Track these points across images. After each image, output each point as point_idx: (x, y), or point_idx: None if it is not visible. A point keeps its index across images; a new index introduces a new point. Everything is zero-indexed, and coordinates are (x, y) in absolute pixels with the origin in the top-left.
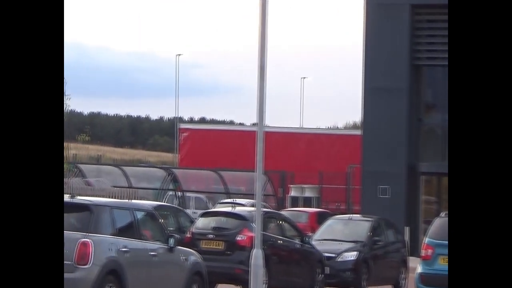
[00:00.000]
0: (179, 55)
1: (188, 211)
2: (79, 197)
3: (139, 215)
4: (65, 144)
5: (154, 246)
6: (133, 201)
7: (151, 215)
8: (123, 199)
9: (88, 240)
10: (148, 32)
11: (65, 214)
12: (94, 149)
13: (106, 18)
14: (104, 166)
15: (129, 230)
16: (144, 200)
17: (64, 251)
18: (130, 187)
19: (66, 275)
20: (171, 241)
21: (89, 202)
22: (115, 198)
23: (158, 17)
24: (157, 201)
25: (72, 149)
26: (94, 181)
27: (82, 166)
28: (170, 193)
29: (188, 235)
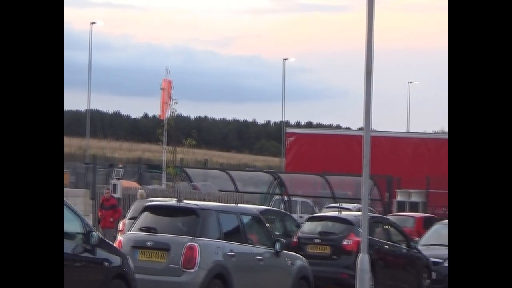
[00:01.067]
0: (286, 59)
1: (295, 216)
2: (185, 201)
3: (246, 219)
4: (172, 148)
5: (260, 250)
6: (240, 205)
7: (257, 219)
8: (230, 203)
9: (194, 244)
10: (254, 36)
11: (172, 218)
12: (201, 154)
13: (212, 23)
14: (210, 170)
15: (235, 234)
16: (250, 204)
17: (171, 255)
18: (236, 191)
19: (172, 278)
20: (278, 245)
21: (196, 206)
22: (221, 202)
23: (265, 21)
24: (263, 205)
25: (179, 153)
26: (200, 185)
27: (189, 170)
28: (277, 197)
29: (295, 239)
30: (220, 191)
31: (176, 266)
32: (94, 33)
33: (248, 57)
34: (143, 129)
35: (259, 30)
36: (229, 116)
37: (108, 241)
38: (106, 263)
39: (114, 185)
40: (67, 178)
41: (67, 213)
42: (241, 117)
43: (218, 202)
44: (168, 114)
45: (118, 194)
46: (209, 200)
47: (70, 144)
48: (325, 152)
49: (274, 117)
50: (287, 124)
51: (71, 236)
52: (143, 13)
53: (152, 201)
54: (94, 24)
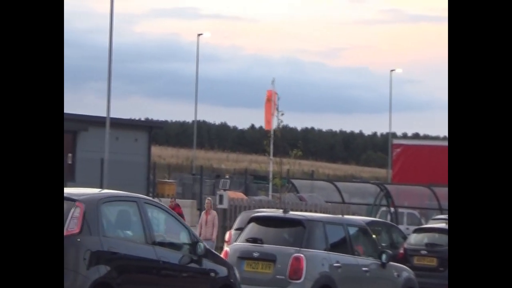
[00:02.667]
0: (393, 70)
1: (401, 227)
2: (292, 212)
3: (352, 230)
4: (278, 159)
5: (366, 261)
6: (346, 216)
7: (363, 230)
8: (336, 214)
9: (301, 255)
10: (362, 47)
11: (278, 229)
12: (307, 165)
13: (320, 34)
14: (317, 181)
15: (341, 246)
16: (356, 215)
17: (278, 265)
18: (343, 202)
19: None
20: (384, 257)
21: (302, 218)
22: (328, 213)
23: (373, 32)
24: (370, 216)
25: (285, 164)
26: (307, 197)
27: (295, 181)
28: (383, 208)
29: (401, 251)
30: (327, 202)
31: (283, 277)
32: (202, 45)
33: (356, 68)
34: (249, 140)
35: (367, 41)
36: (336, 128)
37: (214, 251)
38: (212, 274)
39: (220, 196)
40: (174, 188)
41: (174, 224)
42: (347, 129)
43: (325, 213)
44: (274, 125)
45: (224, 205)
46: (315, 211)
47: (177, 155)
48: (431, 163)
49: (381, 128)
50: (393, 135)
51: (178, 246)
52: (251, 24)
53: (258, 212)
54: (201, 36)
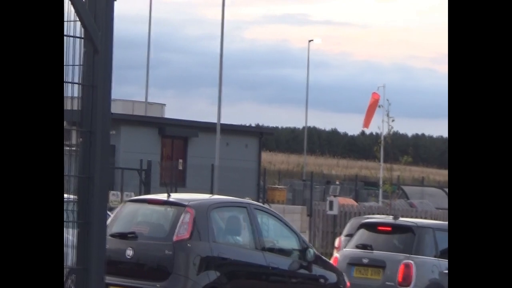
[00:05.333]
0: None
1: None
2: (402, 219)
3: None
4: (388, 165)
5: None
6: None
7: None
8: (446, 221)
9: (411, 261)
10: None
11: (388, 235)
12: (418, 171)
13: (430, 40)
14: (427, 188)
15: None
16: None
17: (387, 272)
18: None
19: None
20: None
21: (412, 224)
22: (438, 220)
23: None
24: None
25: (395, 171)
26: (417, 203)
27: (405, 188)
28: None
29: None
30: (437, 209)
31: (392, 283)
32: (313, 51)
33: None
34: (360, 146)
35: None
36: (447, 134)
37: (324, 258)
38: (322, 280)
39: (331, 202)
40: (284, 194)
41: (283, 230)
42: None
43: (435, 220)
44: (385, 131)
45: (334, 211)
46: (426, 218)
47: (288, 161)
48: None
49: None
50: None
51: (288, 252)
52: (361, 31)
53: (368, 218)
54: (312, 42)
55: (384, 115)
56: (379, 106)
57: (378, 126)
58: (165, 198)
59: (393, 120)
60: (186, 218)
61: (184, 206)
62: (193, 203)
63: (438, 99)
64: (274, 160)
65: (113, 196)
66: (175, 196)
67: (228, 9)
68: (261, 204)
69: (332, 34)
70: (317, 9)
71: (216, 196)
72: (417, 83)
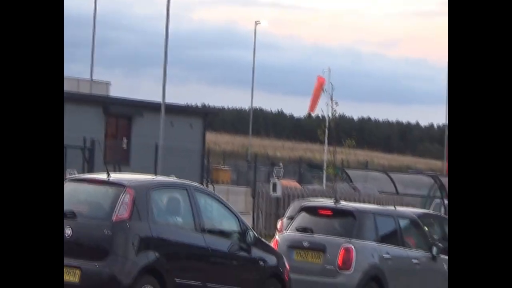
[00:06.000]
0: None
1: None
2: (343, 203)
3: (403, 222)
4: (331, 149)
5: (417, 254)
6: (398, 208)
7: (414, 222)
8: (389, 205)
9: (351, 245)
10: (422, 38)
11: (329, 219)
12: (363, 155)
13: (379, 25)
14: (371, 172)
15: (392, 237)
16: (411, 207)
17: (327, 256)
18: (396, 193)
19: (328, 279)
20: (435, 249)
21: (353, 208)
22: (381, 204)
23: (433, 23)
24: (424, 208)
25: (340, 154)
26: (361, 187)
27: (350, 171)
28: (437, 201)
29: None
30: (380, 193)
31: (332, 267)
32: (260, 33)
33: (415, 60)
34: (306, 129)
35: (426, 32)
36: (393, 118)
37: (264, 240)
38: (261, 262)
39: (274, 184)
40: (229, 175)
41: (223, 212)
42: (404, 119)
43: (378, 204)
44: (327, 114)
45: (278, 193)
46: (369, 202)
47: (233, 142)
48: None
49: (438, 120)
50: None
51: (228, 234)
52: (310, 14)
53: (309, 201)
54: (260, 24)
55: (328, 99)
56: (323, 91)
57: (322, 109)
58: (105, 178)
59: (336, 104)
60: (125, 198)
61: (123, 186)
62: (133, 184)
63: (385, 83)
64: (219, 140)
65: None
66: (115, 176)
67: None
68: (201, 186)
69: (280, 17)
70: None
71: (156, 177)
72: (364, 67)
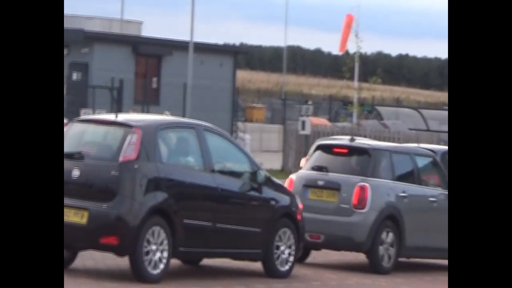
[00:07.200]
0: None
1: None
2: (358, 141)
3: (420, 160)
4: (360, 85)
5: (434, 192)
6: (421, 145)
7: (432, 160)
8: (422, 142)
9: (366, 184)
10: None
11: (344, 158)
12: (400, 91)
13: None
14: (403, 108)
15: (408, 175)
16: (442, 144)
17: (342, 194)
18: (427, 130)
19: (343, 218)
20: None
21: (368, 146)
22: (412, 141)
23: None
24: None
25: (375, 91)
26: (390, 124)
27: (381, 109)
28: None
29: None
30: (410, 129)
31: (347, 206)
32: None
33: None
34: (343, 65)
35: None
36: (432, 54)
37: (276, 180)
38: (273, 202)
39: (303, 122)
40: (263, 113)
41: (234, 151)
42: (443, 55)
43: (409, 141)
44: (354, 50)
45: (306, 131)
46: (398, 139)
47: (268, 80)
48: None
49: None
50: None
51: (238, 174)
52: None
53: (326, 139)
54: None
55: (352, 34)
56: (348, 26)
57: (343, 43)
58: (113, 119)
59: (361, 41)
60: (133, 138)
61: (131, 126)
62: (140, 124)
63: (424, 20)
64: (255, 79)
65: (85, 114)
66: (122, 117)
67: None
68: (211, 125)
69: None
70: None
71: (164, 117)
72: (403, 2)
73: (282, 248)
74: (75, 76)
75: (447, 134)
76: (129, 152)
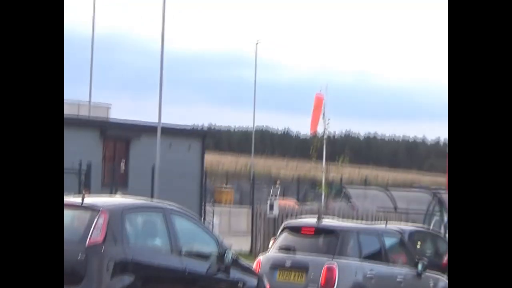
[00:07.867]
0: None
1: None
2: (325, 221)
3: (387, 239)
4: (326, 166)
5: (401, 271)
6: (389, 224)
7: (399, 239)
8: (390, 222)
9: (333, 264)
10: (420, 58)
11: (311, 238)
12: (368, 171)
13: (385, 47)
14: (371, 189)
15: (376, 255)
16: (410, 223)
17: (310, 275)
18: (395, 210)
19: None
20: (420, 266)
21: (335, 226)
22: (380, 221)
23: (427, 42)
24: (424, 224)
25: (336, 172)
26: (359, 204)
27: (350, 189)
28: (437, 217)
29: (445, 260)
30: (378, 210)
31: (315, 286)
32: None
33: (416, 77)
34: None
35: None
36: (399, 133)
37: (243, 261)
38: (240, 284)
39: (271, 204)
40: (232, 195)
41: (201, 233)
42: (411, 135)
43: (377, 221)
44: (321, 131)
45: (275, 213)
46: (366, 219)
47: (237, 162)
48: None
49: (445, 135)
50: None
51: (206, 256)
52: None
53: (293, 220)
54: (259, 44)
55: (321, 114)
56: (318, 106)
57: (313, 124)
58: (80, 202)
59: (328, 122)
60: (99, 221)
61: (98, 209)
62: (107, 207)
63: (390, 100)
64: (223, 161)
65: None
66: (89, 200)
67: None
68: (179, 207)
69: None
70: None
71: (131, 200)
72: (370, 83)
73: None
74: None
75: (414, 214)
76: (96, 235)
